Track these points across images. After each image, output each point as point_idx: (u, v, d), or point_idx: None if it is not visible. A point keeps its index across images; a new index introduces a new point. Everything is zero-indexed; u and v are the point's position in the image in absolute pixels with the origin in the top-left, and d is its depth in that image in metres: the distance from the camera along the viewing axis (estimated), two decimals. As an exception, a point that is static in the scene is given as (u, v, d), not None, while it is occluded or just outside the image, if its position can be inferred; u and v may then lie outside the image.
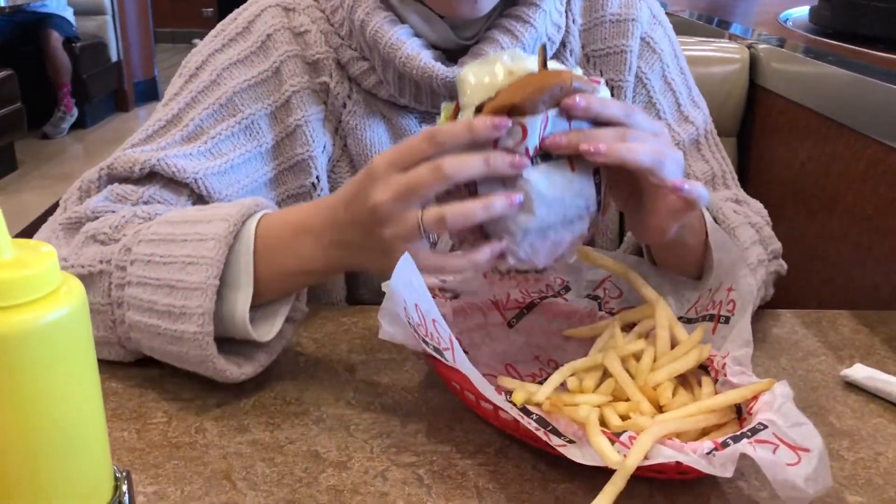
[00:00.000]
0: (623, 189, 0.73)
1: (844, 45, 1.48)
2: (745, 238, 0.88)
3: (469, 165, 0.65)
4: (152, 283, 0.73)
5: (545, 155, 0.66)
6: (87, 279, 0.77)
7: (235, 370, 0.74)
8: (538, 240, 0.67)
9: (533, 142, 0.65)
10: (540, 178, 0.66)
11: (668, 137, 0.73)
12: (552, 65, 0.68)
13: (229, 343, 0.75)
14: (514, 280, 0.73)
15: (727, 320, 0.74)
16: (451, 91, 0.88)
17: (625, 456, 0.58)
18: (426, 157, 0.66)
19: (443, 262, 0.68)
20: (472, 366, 0.64)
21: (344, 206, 0.71)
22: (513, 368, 0.79)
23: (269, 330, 0.77)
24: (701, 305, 0.78)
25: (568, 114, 0.66)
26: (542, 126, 0.65)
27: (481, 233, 0.68)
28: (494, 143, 0.65)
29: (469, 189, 0.67)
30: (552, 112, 0.65)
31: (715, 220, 0.86)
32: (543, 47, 0.68)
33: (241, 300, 0.74)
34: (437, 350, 0.66)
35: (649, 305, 0.75)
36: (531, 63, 0.67)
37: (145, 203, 0.85)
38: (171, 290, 0.72)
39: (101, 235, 0.79)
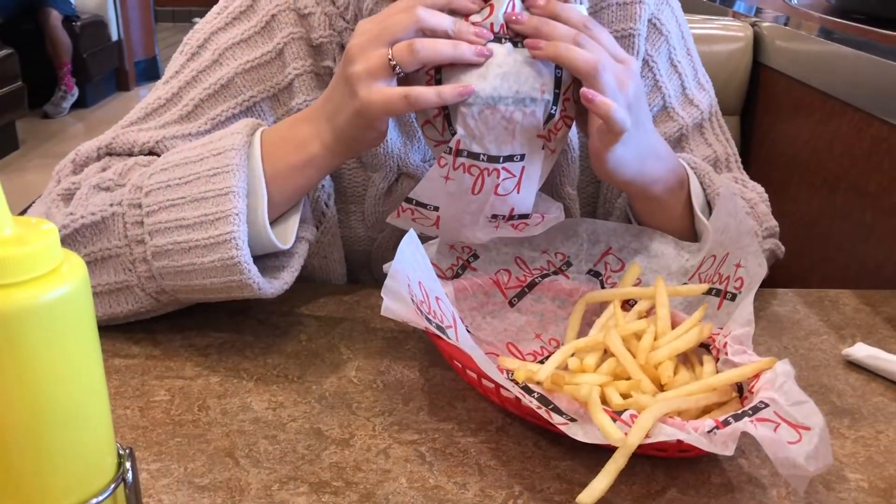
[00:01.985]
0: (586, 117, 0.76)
1: (857, 24, 1.47)
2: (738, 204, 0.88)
3: (439, 19, 0.71)
4: (177, 202, 0.75)
5: (515, 41, 0.71)
6: (100, 225, 0.78)
7: (265, 283, 0.77)
8: (489, 110, 0.70)
9: (498, 20, 0.71)
10: (500, 51, 0.71)
11: (634, 68, 0.75)
12: None
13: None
14: (468, 173, 0.71)
15: (734, 297, 0.74)
16: None
17: (626, 434, 0.58)
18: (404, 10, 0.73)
19: (409, 90, 0.71)
20: (476, 345, 0.64)
21: (333, 77, 0.77)
22: (514, 347, 0.79)
23: (285, 237, 0.81)
24: (705, 273, 0.78)
25: (532, 11, 0.72)
26: (507, 8, 0.72)
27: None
28: (466, 20, 0.72)
29: (435, 71, 0.73)
30: (519, 3, 0.72)
31: (702, 185, 0.87)
32: None
33: (260, 206, 0.77)
34: (439, 327, 0.66)
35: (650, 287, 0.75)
36: None
37: None
38: (199, 203, 0.75)
39: (107, 182, 0.81)
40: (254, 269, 0.75)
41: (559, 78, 0.72)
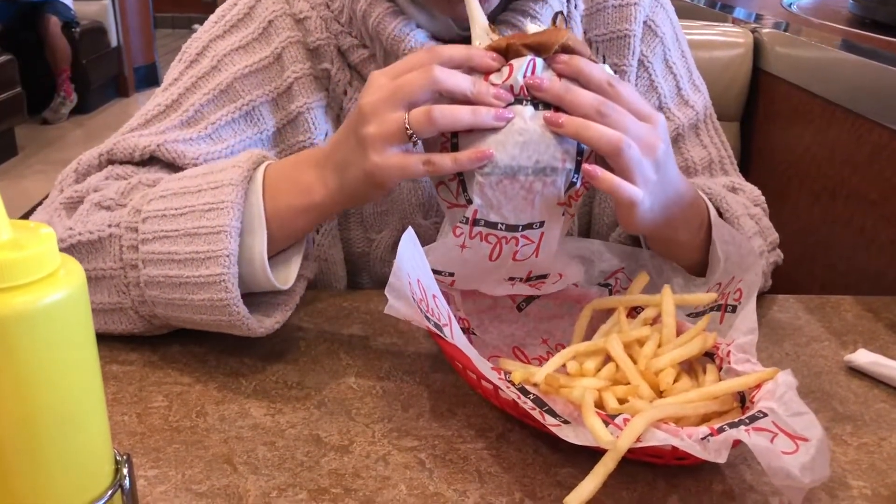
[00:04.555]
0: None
1: (858, 31, 1.46)
2: (747, 229, 0.88)
3: (457, 80, 0.68)
4: (171, 234, 0.74)
5: (536, 102, 0.68)
6: (97, 244, 0.77)
7: (255, 322, 0.75)
8: (508, 180, 0.67)
9: (517, 81, 0.68)
10: (520, 114, 0.67)
11: (660, 126, 0.72)
12: None
13: (246, 303, 0.75)
14: (486, 242, 0.70)
15: (734, 309, 0.74)
16: None
17: (617, 437, 0.57)
18: (420, 62, 0.69)
19: (429, 156, 0.69)
20: (470, 344, 0.64)
21: (342, 125, 0.74)
22: (520, 351, 0.78)
23: (286, 278, 0.79)
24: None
25: (554, 68, 0.69)
26: (527, 69, 0.68)
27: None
28: (485, 79, 0.69)
29: (451, 134, 0.69)
30: (541, 62, 0.69)
31: (718, 210, 0.86)
32: (556, 15, 0.71)
33: (258, 244, 0.75)
34: (437, 325, 0.65)
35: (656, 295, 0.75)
36: None
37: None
38: (192, 238, 0.73)
39: (108, 202, 0.80)
40: (243, 310, 0.73)
41: (581, 148, 0.69)
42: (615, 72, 0.96)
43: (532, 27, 0.71)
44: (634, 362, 0.68)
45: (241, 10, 0.92)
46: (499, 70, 0.69)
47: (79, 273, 0.45)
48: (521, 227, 0.69)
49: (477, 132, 0.67)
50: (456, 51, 0.69)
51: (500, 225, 0.69)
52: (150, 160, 0.87)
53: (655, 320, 0.73)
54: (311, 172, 0.76)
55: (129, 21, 6.18)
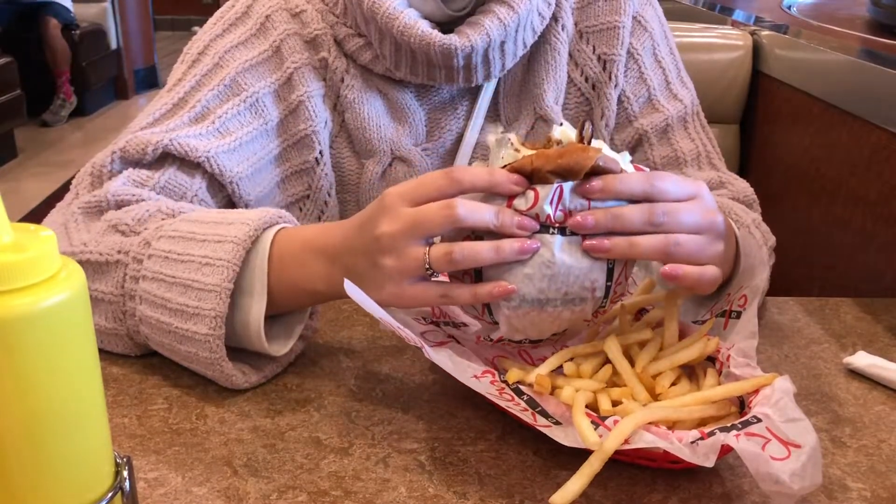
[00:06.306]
0: None
1: (856, 33, 1.46)
2: (757, 238, 0.88)
3: (480, 213, 0.64)
4: (167, 279, 0.73)
5: (562, 228, 0.64)
6: (104, 267, 0.77)
7: (241, 377, 0.73)
8: (535, 311, 0.65)
9: (543, 210, 0.64)
10: (547, 245, 0.64)
11: (706, 197, 0.69)
12: (595, 144, 0.66)
13: (237, 350, 0.75)
14: (510, 346, 0.70)
15: (738, 315, 0.74)
16: (447, 60, 0.90)
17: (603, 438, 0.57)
18: (440, 191, 0.66)
19: (447, 290, 0.67)
20: (464, 350, 0.64)
21: (354, 232, 0.71)
22: (526, 353, 0.78)
23: (282, 346, 0.77)
24: (717, 307, 0.78)
25: (588, 197, 0.64)
26: (554, 196, 0.64)
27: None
28: (509, 203, 0.65)
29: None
30: (568, 187, 0.64)
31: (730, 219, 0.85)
32: (584, 123, 0.67)
33: (255, 308, 0.73)
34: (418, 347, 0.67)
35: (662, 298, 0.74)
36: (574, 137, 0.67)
37: (162, 187, 0.87)
38: (185, 290, 0.72)
39: (123, 226, 0.79)
40: (227, 366, 0.72)
41: (610, 270, 0.66)
42: (604, 61, 1.01)
43: (557, 130, 0.67)
44: (633, 365, 0.68)
45: (238, 10, 0.96)
46: (523, 194, 0.65)
47: (79, 275, 0.45)
48: (544, 340, 0.70)
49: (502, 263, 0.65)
50: (478, 177, 0.65)
51: (524, 341, 0.70)
52: (163, 157, 0.88)
53: (659, 324, 0.73)
54: (320, 265, 0.73)
55: (128, 23, 6.19)
